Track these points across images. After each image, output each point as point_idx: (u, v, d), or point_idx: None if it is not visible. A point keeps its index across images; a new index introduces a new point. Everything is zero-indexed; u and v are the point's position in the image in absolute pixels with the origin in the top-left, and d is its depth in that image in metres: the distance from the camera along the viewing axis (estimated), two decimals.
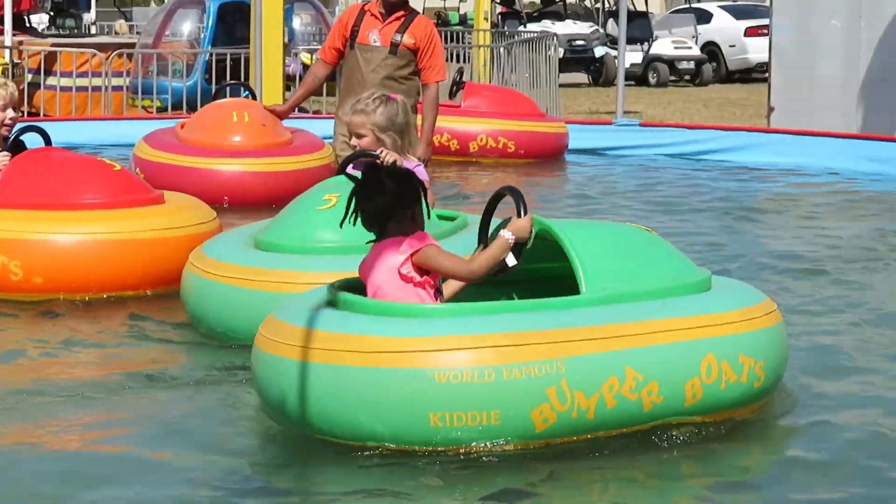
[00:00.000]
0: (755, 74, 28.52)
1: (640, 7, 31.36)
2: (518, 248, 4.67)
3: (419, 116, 8.25)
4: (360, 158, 5.77)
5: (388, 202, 4.60)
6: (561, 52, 24.83)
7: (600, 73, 28.52)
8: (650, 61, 28.88)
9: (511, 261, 4.67)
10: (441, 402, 4.32)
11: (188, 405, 5.01)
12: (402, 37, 8.61)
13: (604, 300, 4.62)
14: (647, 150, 13.46)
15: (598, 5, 32.07)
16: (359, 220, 4.63)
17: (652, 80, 28.62)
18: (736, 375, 4.63)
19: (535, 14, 30.83)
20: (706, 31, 30.79)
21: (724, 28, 30.81)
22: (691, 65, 29.11)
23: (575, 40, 28.52)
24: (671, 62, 28.87)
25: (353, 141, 6.10)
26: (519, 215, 4.69)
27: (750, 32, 29.71)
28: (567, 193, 11.33)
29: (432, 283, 4.66)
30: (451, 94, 13.31)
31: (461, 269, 4.65)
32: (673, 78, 28.92)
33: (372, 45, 8.64)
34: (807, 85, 14.30)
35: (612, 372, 4.43)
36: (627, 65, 27.97)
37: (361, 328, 4.40)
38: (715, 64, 30.27)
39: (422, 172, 5.90)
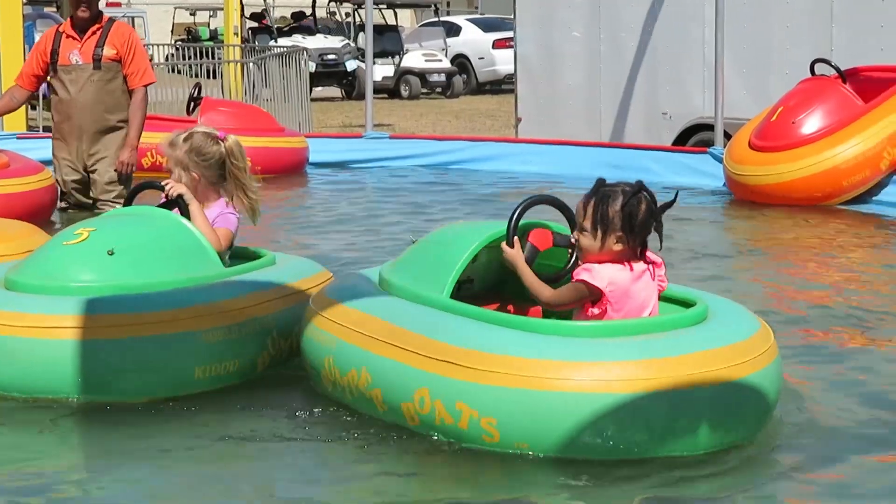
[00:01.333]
0: (505, 86, 29.10)
1: (391, 21, 31.67)
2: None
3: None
4: (144, 189, 5.77)
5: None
6: (312, 66, 24.88)
7: (353, 87, 28.67)
8: (402, 74, 29.18)
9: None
10: None
11: None
12: (102, 50, 8.71)
13: None
14: (398, 162, 13.61)
15: (349, 20, 32.24)
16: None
17: (404, 93, 28.93)
18: None
19: (285, 29, 30.80)
20: (455, 44, 31.30)
21: (473, 41, 31.39)
22: (442, 77, 29.52)
23: (326, 54, 28.60)
24: (422, 75, 29.23)
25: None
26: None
27: (498, 45, 30.33)
28: (308, 206, 11.31)
29: None
30: (189, 110, 13.18)
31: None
32: (425, 90, 29.27)
33: (74, 64, 8.72)
34: (552, 95, 14.67)
35: None
36: (379, 78, 28.40)
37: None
38: (465, 76, 30.78)
39: (226, 218, 5.69)
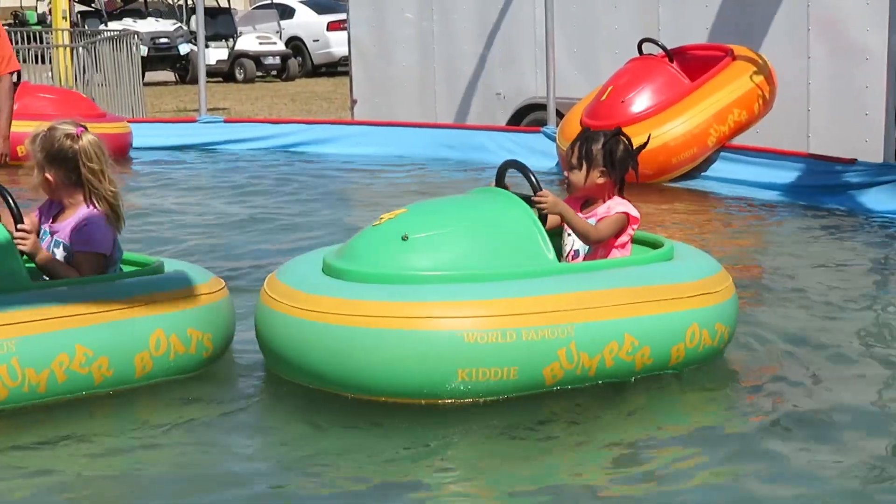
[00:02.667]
0: (340, 68, 29.05)
1: (224, 4, 31.37)
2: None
3: None
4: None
5: None
6: (145, 50, 24.54)
7: (187, 71, 28.34)
8: (236, 57, 28.95)
9: None
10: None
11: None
12: None
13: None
14: (233, 146, 13.51)
15: (181, 2, 31.85)
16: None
17: (239, 77, 28.70)
18: None
19: (116, 12, 30.27)
20: (290, 27, 31.14)
21: (307, 23, 31.25)
22: (277, 60, 29.36)
23: (159, 38, 28.25)
24: (257, 58, 29.04)
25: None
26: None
27: (332, 27, 30.25)
28: (142, 188, 11.13)
29: None
30: None
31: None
32: (260, 73, 29.09)
33: None
34: (386, 77, 14.69)
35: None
36: (213, 61, 28.13)
37: None
38: (300, 59, 30.64)
39: (88, 231, 5.16)
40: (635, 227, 5.43)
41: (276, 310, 4.93)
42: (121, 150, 12.79)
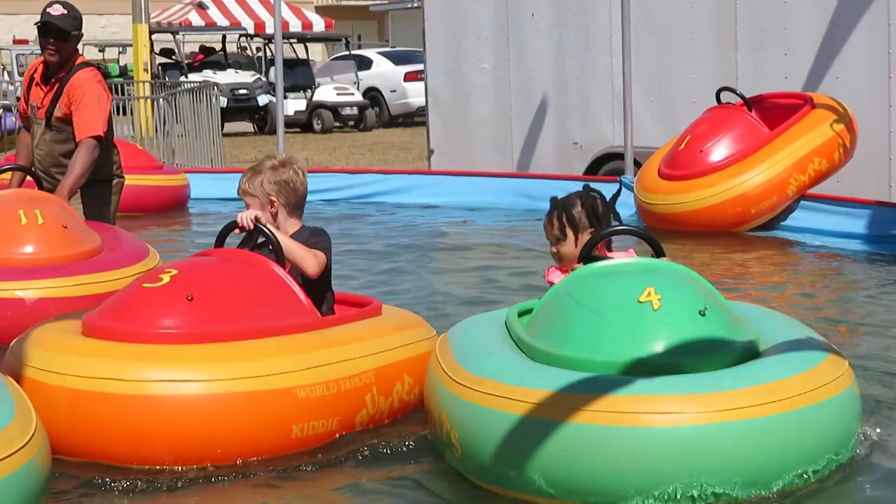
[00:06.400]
0: (417, 118, 29.18)
1: (302, 55, 31.66)
2: None
3: None
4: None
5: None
6: (224, 101, 24.81)
7: (265, 122, 28.60)
8: (314, 108, 29.16)
9: None
10: None
11: None
12: (55, 108, 7.51)
13: None
14: (311, 196, 13.55)
15: (260, 54, 32.19)
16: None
17: (317, 127, 28.91)
18: None
19: (196, 64, 30.66)
20: (367, 77, 31.35)
21: (385, 74, 31.45)
22: (354, 110, 29.55)
23: (238, 89, 28.53)
24: (335, 108, 29.24)
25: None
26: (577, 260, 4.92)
27: (409, 77, 30.41)
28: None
29: None
30: None
31: None
32: (337, 124, 29.28)
33: (34, 116, 7.61)
34: (463, 126, 14.73)
35: None
36: (291, 112, 28.37)
37: None
38: (378, 109, 30.83)
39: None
40: None
41: (491, 406, 4.28)
42: (179, 202, 12.90)
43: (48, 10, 7.51)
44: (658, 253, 4.90)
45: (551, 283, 4.92)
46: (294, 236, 5.35)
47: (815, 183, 10.68)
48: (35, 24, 7.66)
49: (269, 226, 5.25)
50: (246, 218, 5.25)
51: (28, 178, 7.67)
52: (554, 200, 5.20)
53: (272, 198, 5.41)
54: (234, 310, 4.92)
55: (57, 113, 7.50)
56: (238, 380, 4.65)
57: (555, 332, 4.51)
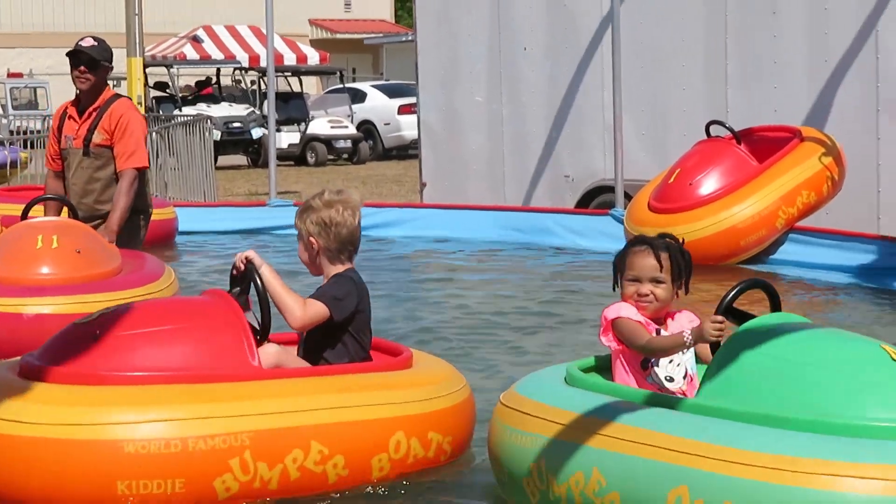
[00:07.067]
0: (411, 151, 29.24)
1: (296, 88, 31.76)
2: (712, 347, 4.44)
3: None
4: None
5: None
6: (217, 134, 24.87)
7: (259, 155, 28.64)
8: (308, 141, 29.23)
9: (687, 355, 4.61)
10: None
11: None
12: (93, 135, 7.83)
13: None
14: None
15: (254, 87, 32.28)
16: None
17: (310, 160, 28.96)
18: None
19: (190, 97, 30.75)
20: (361, 110, 31.44)
21: (379, 107, 31.55)
22: (348, 143, 29.62)
23: (232, 122, 28.60)
24: (328, 141, 29.30)
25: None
26: (716, 312, 4.42)
27: (403, 110, 30.50)
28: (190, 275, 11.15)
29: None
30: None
31: (636, 342, 4.58)
32: (331, 157, 29.33)
33: (69, 147, 7.92)
34: (455, 159, 14.77)
35: None
36: (285, 145, 28.45)
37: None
38: (371, 142, 30.90)
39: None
40: None
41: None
42: (167, 236, 12.92)
43: (80, 42, 7.93)
44: (775, 307, 4.57)
45: (616, 319, 4.61)
46: (325, 283, 5.12)
47: (804, 216, 10.74)
48: (66, 53, 8.01)
49: (263, 268, 4.96)
50: (238, 258, 5.04)
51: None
52: (660, 239, 4.75)
53: (311, 239, 5.12)
54: (134, 351, 4.68)
55: (96, 139, 7.82)
56: (55, 425, 4.43)
57: (772, 393, 4.01)
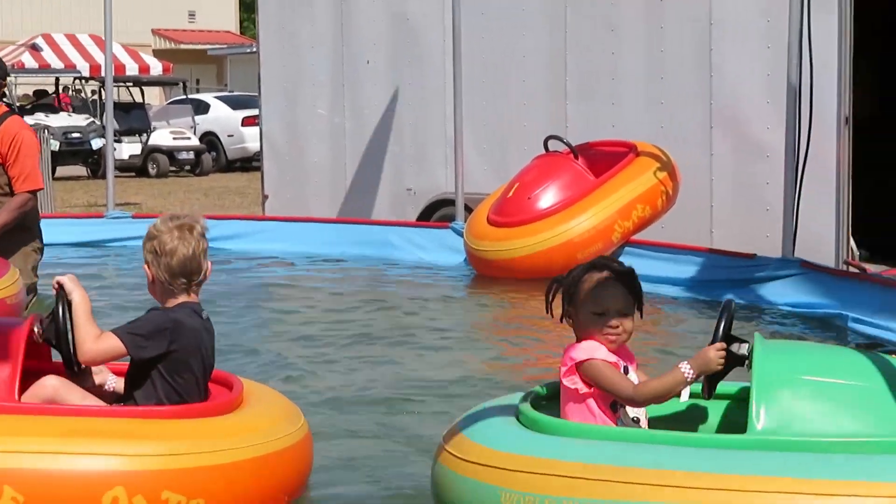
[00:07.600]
0: (255, 163, 29.02)
1: (139, 99, 31.35)
2: (709, 379, 4.18)
3: None
4: None
5: None
6: (56, 144, 24.41)
7: (99, 165, 28.17)
8: (149, 152, 28.87)
9: (684, 396, 4.19)
10: None
11: None
12: None
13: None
14: (140, 242, 13.39)
15: (95, 97, 31.78)
16: None
17: (152, 171, 28.61)
18: None
19: (28, 107, 30.15)
20: (205, 122, 31.17)
21: (222, 118, 31.32)
22: (191, 155, 29.33)
23: (71, 132, 28.11)
24: (170, 153, 28.98)
25: None
26: (713, 341, 4.15)
27: (247, 122, 30.29)
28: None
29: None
30: None
31: (622, 392, 4.16)
32: (173, 168, 29.02)
33: None
34: (298, 172, 14.72)
35: None
36: (126, 156, 28.07)
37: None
38: (214, 153, 30.65)
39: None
40: None
41: None
42: None
43: None
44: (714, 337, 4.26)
45: (583, 361, 4.20)
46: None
47: (640, 229, 10.93)
48: None
49: (73, 294, 4.62)
50: (55, 281, 4.70)
51: None
52: (622, 267, 4.38)
53: (145, 267, 4.74)
54: None
55: None
56: None
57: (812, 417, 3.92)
